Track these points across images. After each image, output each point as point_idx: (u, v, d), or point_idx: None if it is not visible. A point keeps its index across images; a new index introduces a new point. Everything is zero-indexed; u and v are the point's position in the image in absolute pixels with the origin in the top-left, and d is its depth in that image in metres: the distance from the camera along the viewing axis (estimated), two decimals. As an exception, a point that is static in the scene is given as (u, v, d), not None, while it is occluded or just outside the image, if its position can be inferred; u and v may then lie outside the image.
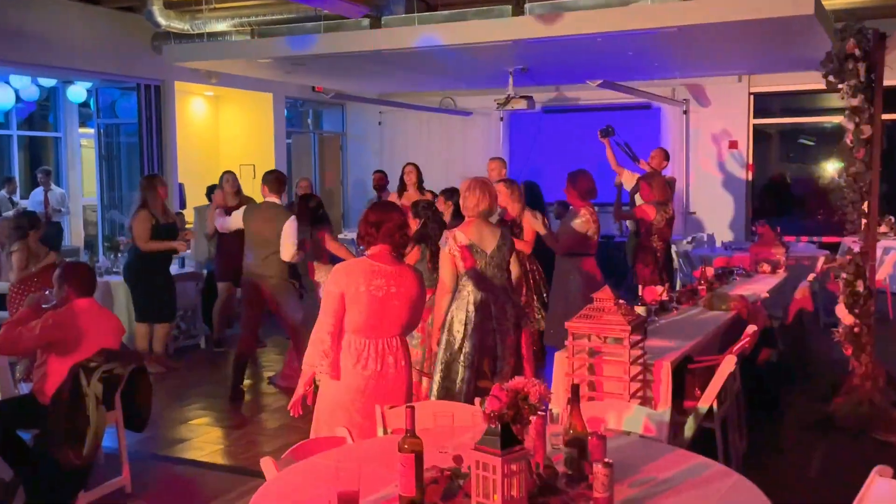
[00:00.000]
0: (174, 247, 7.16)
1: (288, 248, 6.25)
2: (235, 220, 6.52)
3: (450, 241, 4.66)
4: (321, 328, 3.56)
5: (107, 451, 4.87)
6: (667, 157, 8.89)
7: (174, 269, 7.59)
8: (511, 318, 4.75)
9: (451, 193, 6.44)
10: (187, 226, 9.60)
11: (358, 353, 3.56)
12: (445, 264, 4.67)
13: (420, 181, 8.08)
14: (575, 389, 2.56)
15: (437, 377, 4.74)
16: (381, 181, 9.83)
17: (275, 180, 6.43)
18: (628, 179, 8.89)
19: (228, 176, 8.09)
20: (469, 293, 4.68)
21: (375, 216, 3.63)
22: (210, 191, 9.81)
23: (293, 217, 6.35)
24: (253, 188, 10.66)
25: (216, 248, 7.92)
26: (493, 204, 4.73)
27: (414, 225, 5.54)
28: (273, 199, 6.41)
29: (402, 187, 8.23)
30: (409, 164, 8.23)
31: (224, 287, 8.03)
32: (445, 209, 6.39)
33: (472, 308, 4.67)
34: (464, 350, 4.67)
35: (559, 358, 4.29)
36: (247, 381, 6.73)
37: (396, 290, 3.56)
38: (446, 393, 4.61)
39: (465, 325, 4.66)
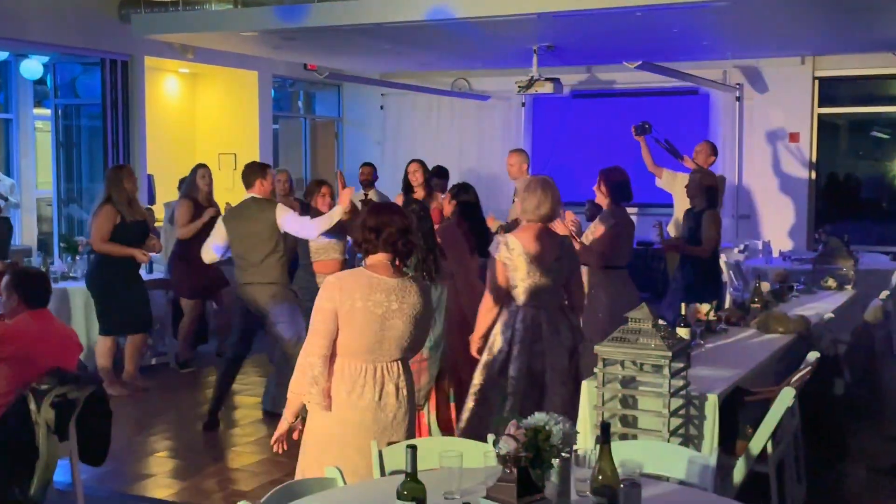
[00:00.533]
0: (132, 254, 7.15)
1: (304, 228, 6.22)
2: (219, 233, 6.46)
3: (501, 248, 4.73)
4: (310, 351, 3.55)
5: (59, 488, 4.87)
6: (714, 151, 8.85)
7: (140, 274, 7.60)
8: (566, 341, 4.79)
9: (459, 191, 6.42)
10: (157, 224, 9.62)
11: (353, 380, 3.55)
12: (494, 273, 4.74)
13: (428, 179, 8.05)
14: (605, 427, 2.55)
15: (469, 404, 4.78)
16: (369, 175, 9.77)
17: (245, 174, 6.43)
18: (669, 180, 8.87)
19: (204, 171, 8.10)
20: (518, 309, 4.75)
21: (375, 220, 3.62)
22: (182, 184, 9.81)
23: (280, 204, 6.37)
24: (234, 181, 10.69)
25: (176, 261, 7.91)
26: (556, 208, 4.82)
27: None
28: (250, 192, 6.42)
29: (408, 188, 8.20)
30: (413, 161, 8.18)
31: (191, 306, 8.06)
32: (448, 208, 6.38)
33: (520, 326, 4.73)
34: (508, 374, 4.71)
35: (587, 388, 4.27)
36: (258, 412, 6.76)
37: (398, 306, 3.55)
38: (479, 422, 4.64)
39: (511, 344, 4.72)
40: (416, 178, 8.04)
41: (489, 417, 4.62)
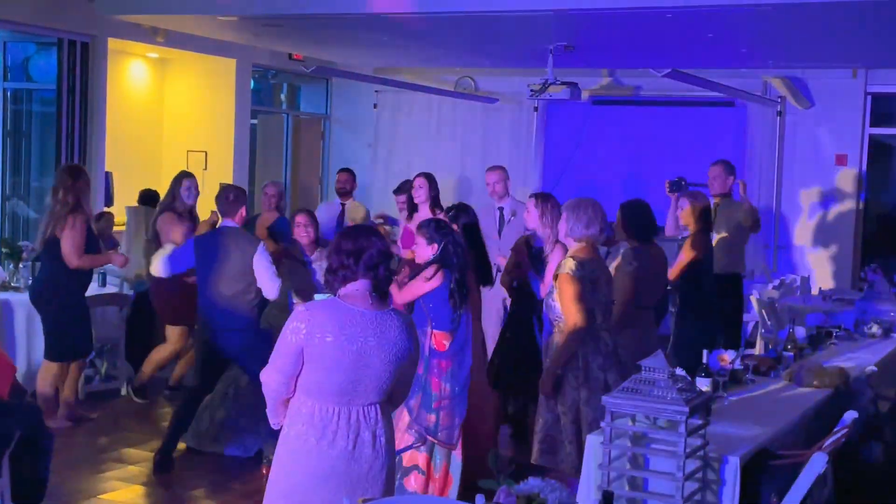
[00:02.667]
0: (111, 260, 7.18)
1: (269, 285, 6.35)
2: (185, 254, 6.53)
3: (576, 266, 5.04)
4: (266, 381, 3.64)
5: (-13, 532, 4.86)
6: (731, 171, 8.62)
7: (91, 288, 7.58)
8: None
9: (459, 213, 6.41)
10: (116, 228, 9.62)
11: (323, 426, 3.56)
12: (578, 293, 5.02)
13: (435, 196, 8.02)
14: (607, 497, 2.57)
15: (567, 448, 5.03)
16: (346, 184, 9.74)
17: (223, 198, 6.52)
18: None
19: (190, 182, 8.06)
20: (597, 332, 5.16)
21: (353, 243, 3.63)
22: (147, 198, 9.69)
23: (261, 243, 6.46)
24: (204, 182, 10.73)
25: (161, 280, 7.86)
26: (604, 227, 5.26)
27: (430, 251, 5.54)
28: (227, 221, 6.49)
29: (412, 207, 8.17)
30: (419, 175, 8.09)
31: (178, 334, 7.95)
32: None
33: (605, 351, 5.16)
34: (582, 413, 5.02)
35: (592, 444, 4.29)
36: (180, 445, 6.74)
37: (377, 342, 3.56)
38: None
39: (605, 371, 5.13)
40: (420, 196, 7.98)
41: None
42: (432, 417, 5.45)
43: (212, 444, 6.84)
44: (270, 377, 3.62)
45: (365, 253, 3.61)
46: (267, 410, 3.74)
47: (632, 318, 6.12)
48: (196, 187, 8.11)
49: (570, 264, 5.07)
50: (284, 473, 3.62)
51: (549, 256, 6.43)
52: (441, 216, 6.57)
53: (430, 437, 5.44)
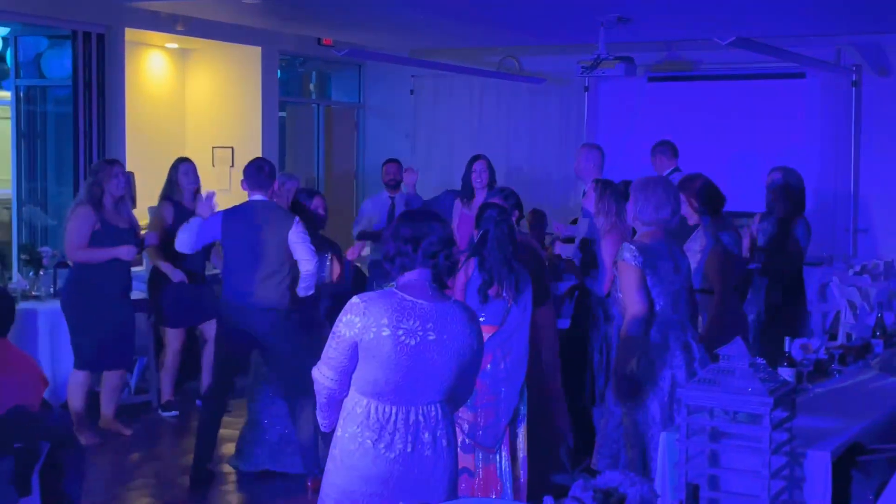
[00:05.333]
0: (114, 254, 7.24)
1: (307, 258, 6.35)
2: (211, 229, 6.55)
3: (625, 249, 4.99)
4: (318, 377, 3.64)
5: (17, 554, 4.91)
6: (673, 152, 9.14)
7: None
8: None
9: (507, 198, 6.43)
10: (142, 230, 9.71)
11: (380, 427, 3.57)
12: (638, 284, 4.96)
13: (493, 182, 8.09)
14: (693, 491, 2.55)
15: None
16: (395, 175, 9.79)
17: (256, 169, 6.52)
18: None
19: (187, 167, 8.13)
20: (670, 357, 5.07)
21: (411, 229, 3.64)
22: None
23: (297, 218, 6.46)
24: (232, 181, 10.79)
25: (157, 279, 7.97)
26: (678, 210, 5.21)
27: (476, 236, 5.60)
28: (258, 195, 6.49)
29: (468, 192, 8.24)
30: (477, 158, 8.22)
31: (176, 336, 8.10)
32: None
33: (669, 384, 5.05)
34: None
35: (667, 441, 4.26)
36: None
37: (437, 336, 3.56)
38: None
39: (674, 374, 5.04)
40: (481, 181, 8.10)
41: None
42: (471, 416, 5.43)
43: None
44: (322, 374, 3.63)
45: (424, 240, 3.61)
46: (317, 411, 3.75)
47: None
48: (195, 172, 8.14)
49: (629, 250, 5.02)
50: (338, 477, 3.63)
51: (602, 244, 6.46)
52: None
53: (467, 438, 5.39)
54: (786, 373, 4.82)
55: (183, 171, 8.08)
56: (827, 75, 11.71)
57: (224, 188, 10.74)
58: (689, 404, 3.99)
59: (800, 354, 5.28)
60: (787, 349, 5.05)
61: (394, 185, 9.74)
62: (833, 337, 9.14)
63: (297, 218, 6.48)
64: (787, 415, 4.03)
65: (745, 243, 6.92)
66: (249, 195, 6.55)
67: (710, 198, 6.28)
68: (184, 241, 6.62)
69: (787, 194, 7.02)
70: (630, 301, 4.99)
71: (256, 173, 6.50)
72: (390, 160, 10.03)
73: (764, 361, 4.18)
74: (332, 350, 3.59)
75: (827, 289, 9.80)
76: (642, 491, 2.51)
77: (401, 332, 3.51)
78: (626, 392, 5.03)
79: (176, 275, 7.68)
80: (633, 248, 5.02)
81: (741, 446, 3.99)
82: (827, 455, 4.08)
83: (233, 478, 6.73)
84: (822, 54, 11.36)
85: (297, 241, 6.37)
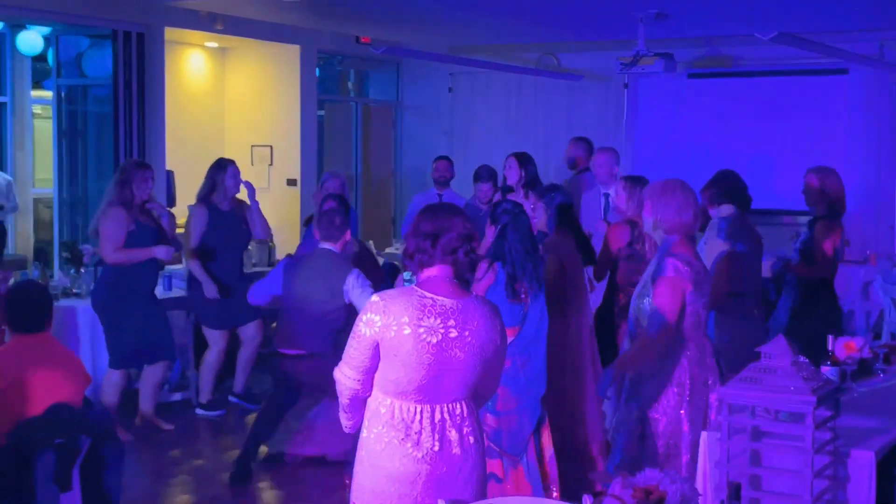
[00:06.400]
0: (152, 253, 7.29)
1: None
2: (274, 281, 6.70)
3: (673, 265, 4.71)
4: (340, 378, 3.63)
5: (58, 549, 4.95)
6: (588, 147, 9.33)
7: (157, 291, 7.73)
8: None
9: (553, 195, 6.41)
10: (179, 230, 9.75)
11: (405, 426, 3.55)
12: (671, 295, 4.71)
13: (532, 177, 8.08)
14: (735, 490, 2.52)
15: None
16: (446, 172, 9.84)
17: (329, 224, 6.64)
18: None
19: (235, 169, 8.08)
20: (683, 349, 4.81)
21: (431, 225, 3.62)
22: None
23: (356, 271, 6.52)
24: (271, 179, 10.83)
25: (195, 282, 7.99)
26: (699, 214, 4.93)
27: (488, 234, 5.55)
28: (329, 245, 6.62)
29: (505, 187, 8.25)
30: (510, 156, 8.23)
31: (221, 336, 8.11)
32: (537, 216, 6.40)
33: (691, 374, 4.80)
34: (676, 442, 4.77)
35: (707, 440, 4.23)
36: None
37: (458, 333, 3.53)
38: None
39: (681, 398, 4.80)
40: (512, 177, 8.11)
41: None
42: (494, 421, 5.38)
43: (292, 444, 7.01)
44: (343, 374, 3.62)
45: (443, 236, 3.59)
46: (340, 412, 3.74)
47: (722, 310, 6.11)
48: (239, 174, 8.10)
49: (675, 265, 4.75)
50: (366, 478, 3.61)
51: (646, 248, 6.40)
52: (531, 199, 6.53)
53: (492, 444, 5.30)
54: (829, 372, 4.77)
55: (231, 173, 8.02)
56: (869, 71, 11.59)
57: (263, 186, 10.78)
58: (730, 403, 3.95)
59: (842, 354, 5.22)
60: (830, 348, 4.99)
61: (443, 182, 9.77)
62: (878, 336, 9.04)
63: (356, 270, 6.52)
64: (831, 414, 3.98)
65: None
66: (322, 243, 6.67)
67: (736, 190, 6.28)
68: (253, 296, 6.88)
69: (823, 197, 6.89)
70: (666, 314, 4.74)
71: (329, 226, 6.64)
72: (441, 157, 10.13)
73: (807, 360, 4.14)
74: (353, 350, 3.57)
75: (870, 287, 9.70)
76: (683, 489, 2.49)
77: (422, 330, 3.48)
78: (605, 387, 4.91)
79: (209, 290, 7.77)
80: (680, 261, 4.78)
81: (783, 445, 3.95)
82: (871, 454, 4.03)
83: (271, 475, 6.76)
84: (865, 49, 11.24)
85: (356, 292, 6.42)
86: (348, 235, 6.71)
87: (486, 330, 3.59)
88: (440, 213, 3.67)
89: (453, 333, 3.51)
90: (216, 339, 8.11)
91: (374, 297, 3.59)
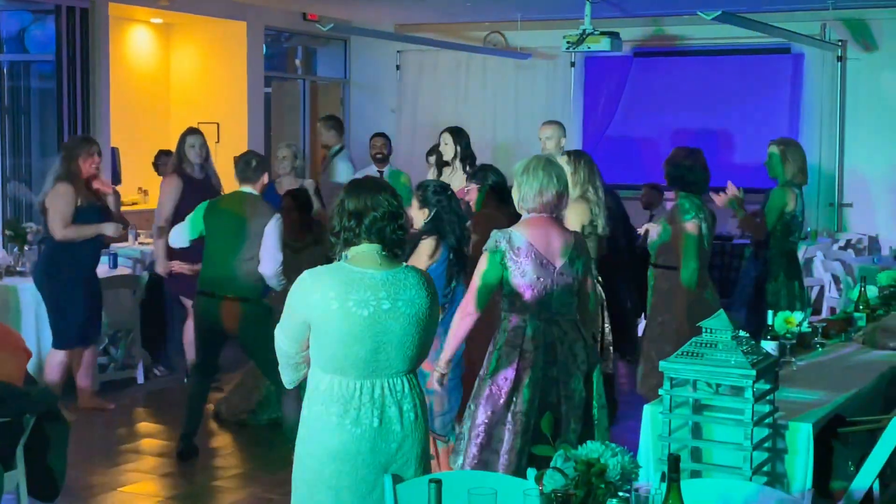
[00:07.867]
0: (101, 230, 7.21)
1: (271, 257, 6.31)
2: (192, 225, 6.53)
3: (502, 244, 4.59)
4: (278, 344, 3.63)
5: (3, 528, 4.92)
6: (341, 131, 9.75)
7: (101, 270, 7.64)
8: (582, 364, 4.72)
9: (486, 174, 6.44)
10: (125, 208, 9.66)
11: (344, 403, 3.51)
12: (485, 273, 4.60)
13: (466, 155, 8.03)
14: (675, 461, 2.55)
15: (472, 449, 4.66)
16: (383, 149, 9.76)
17: (245, 165, 6.52)
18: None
19: (194, 138, 8.05)
20: (525, 324, 4.65)
21: (356, 202, 3.57)
22: (160, 158, 9.90)
23: (278, 215, 6.44)
24: (217, 156, 10.71)
25: (172, 252, 7.90)
26: (564, 194, 4.70)
27: (421, 216, 5.54)
28: (248, 187, 6.51)
29: (441, 161, 8.21)
30: (444, 131, 8.18)
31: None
32: (472, 196, 6.42)
33: (529, 346, 4.63)
34: (513, 408, 4.63)
35: (650, 414, 4.27)
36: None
37: (391, 304, 3.51)
38: (484, 468, 4.58)
39: (519, 371, 4.63)
40: (448, 153, 8.06)
41: (496, 460, 4.60)
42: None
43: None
44: (279, 338, 3.65)
45: (368, 215, 3.55)
46: (279, 368, 3.74)
47: (665, 288, 6.24)
48: (203, 145, 8.03)
49: (501, 243, 4.59)
50: (307, 455, 3.58)
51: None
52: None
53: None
54: (769, 346, 4.83)
55: (189, 143, 7.97)
56: (812, 50, 11.72)
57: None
58: (672, 377, 3.99)
59: (783, 328, 5.28)
60: (769, 322, 5.05)
61: (381, 159, 9.70)
62: (817, 311, 9.18)
63: (277, 216, 6.43)
64: (770, 387, 4.03)
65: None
66: (240, 187, 6.55)
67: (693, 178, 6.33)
68: (176, 238, 6.69)
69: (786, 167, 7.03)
70: (472, 292, 4.63)
71: (245, 167, 6.50)
72: (378, 134, 9.99)
73: (747, 334, 4.19)
74: (287, 320, 3.58)
75: (811, 263, 9.85)
76: (623, 461, 2.52)
77: (351, 304, 3.44)
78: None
79: (161, 267, 7.75)
80: (505, 238, 4.60)
81: (724, 419, 4.00)
82: (809, 427, 4.08)
83: (219, 451, 6.75)
84: (808, 29, 11.36)
85: (269, 239, 6.34)
86: (265, 178, 6.59)
87: (419, 297, 3.55)
88: (364, 191, 3.61)
89: (386, 305, 3.48)
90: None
91: (304, 275, 3.55)
